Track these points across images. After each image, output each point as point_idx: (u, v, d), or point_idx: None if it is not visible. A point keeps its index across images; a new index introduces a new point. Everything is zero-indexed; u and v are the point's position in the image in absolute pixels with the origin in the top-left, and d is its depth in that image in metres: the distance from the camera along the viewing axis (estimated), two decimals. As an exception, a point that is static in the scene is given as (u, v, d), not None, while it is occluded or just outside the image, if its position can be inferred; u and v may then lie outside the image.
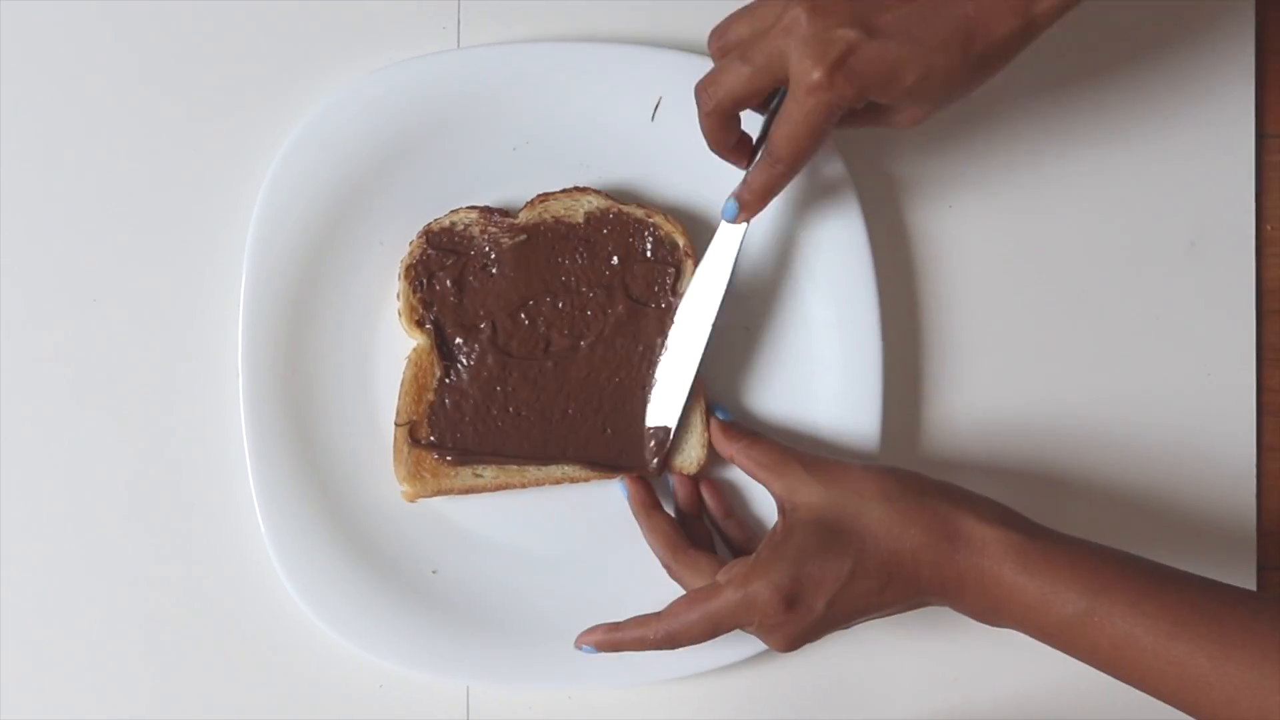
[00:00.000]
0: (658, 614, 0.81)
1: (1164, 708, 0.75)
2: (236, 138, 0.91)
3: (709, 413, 0.89)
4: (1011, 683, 0.93)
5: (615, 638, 0.82)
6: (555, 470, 0.88)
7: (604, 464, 0.88)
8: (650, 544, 0.87)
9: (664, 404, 0.88)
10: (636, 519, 0.88)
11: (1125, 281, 0.94)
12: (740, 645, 0.89)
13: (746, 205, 0.83)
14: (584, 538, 0.91)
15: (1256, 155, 0.95)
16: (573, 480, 0.88)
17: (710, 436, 0.88)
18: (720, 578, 0.80)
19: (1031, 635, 0.78)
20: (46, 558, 0.90)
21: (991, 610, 0.79)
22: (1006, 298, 0.94)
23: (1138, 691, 0.76)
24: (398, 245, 0.89)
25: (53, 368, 0.90)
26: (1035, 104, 0.94)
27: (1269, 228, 0.95)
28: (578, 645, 0.83)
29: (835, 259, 0.90)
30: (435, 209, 0.89)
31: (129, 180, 0.91)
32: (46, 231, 0.90)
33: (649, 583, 0.89)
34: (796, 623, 0.79)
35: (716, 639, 0.81)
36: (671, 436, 0.88)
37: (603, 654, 0.83)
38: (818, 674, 0.93)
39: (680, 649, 0.81)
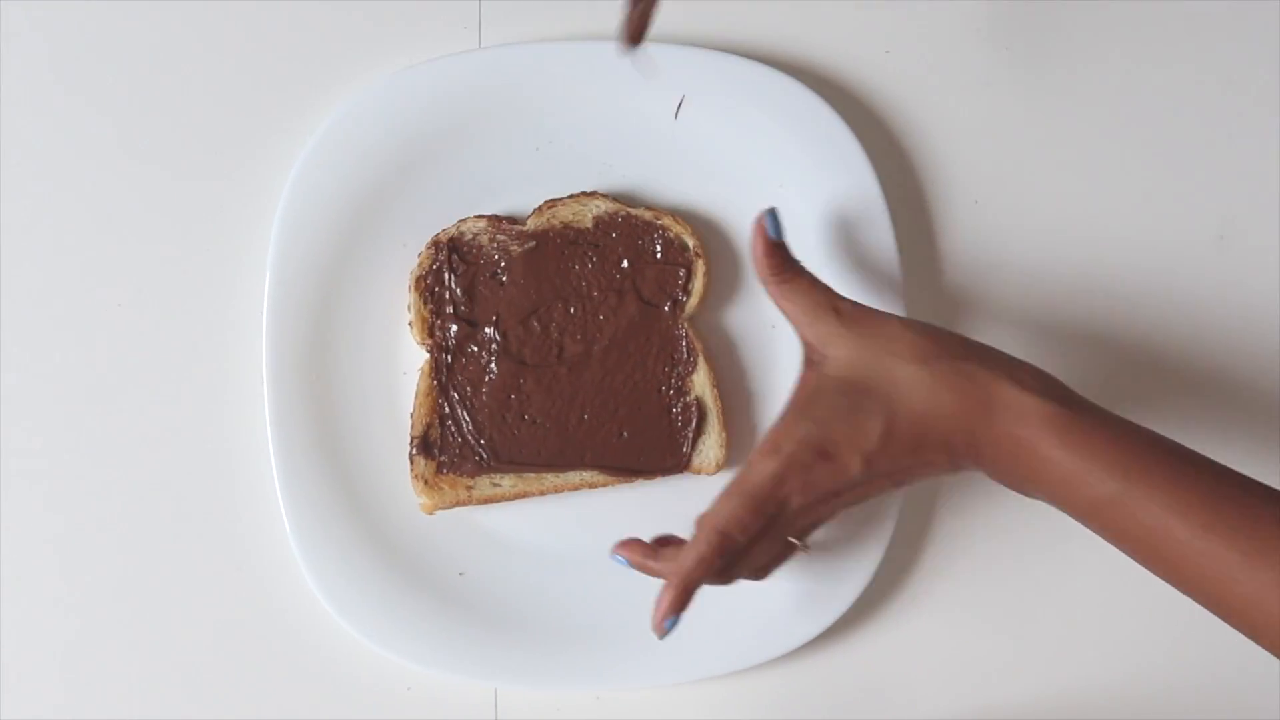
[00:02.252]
0: (699, 527, 0.77)
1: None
2: (259, 140, 0.92)
3: (760, 222, 0.81)
4: (1039, 684, 0.92)
5: (682, 577, 0.76)
6: (573, 476, 0.88)
7: (622, 468, 0.88)
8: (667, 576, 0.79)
9: None
10: (651, 574, 0.80)
11: (1153, 275, 0.93)
12: (768, 645, 0.89)
13: None
14: (611, 539, 0.90)
15: (1285, 147, 0.93)
16: (591, 486, 0.89)
17: (754, 248, 0.81)
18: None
19: (1063, 509, 0.75)
20: (73, 563, 0.91)
21: (1025, 480, 0.75)
22: (1033, 292, 0.93)
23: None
24: (420, 247, 0.89)
25: (77, 372, 0.91)
26: (1061, 98, 0.93)
27: (1298, 219, 0.94)
28: (621, 555, 0.80)
29: (861, 256, 0.90)
30: (458, 209, 0.89)
31: (151, 185, 0.92)
32: (70, 237, 0.91)
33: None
34: (837, 476, 0.76)
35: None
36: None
37: (658, 636, 0.77)
38: (845, 674, 0.92)
39: (741, 559, 0.77)
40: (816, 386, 0.78)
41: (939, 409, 0.75)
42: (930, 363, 0.76)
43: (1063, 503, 0.75)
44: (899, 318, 0.79)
